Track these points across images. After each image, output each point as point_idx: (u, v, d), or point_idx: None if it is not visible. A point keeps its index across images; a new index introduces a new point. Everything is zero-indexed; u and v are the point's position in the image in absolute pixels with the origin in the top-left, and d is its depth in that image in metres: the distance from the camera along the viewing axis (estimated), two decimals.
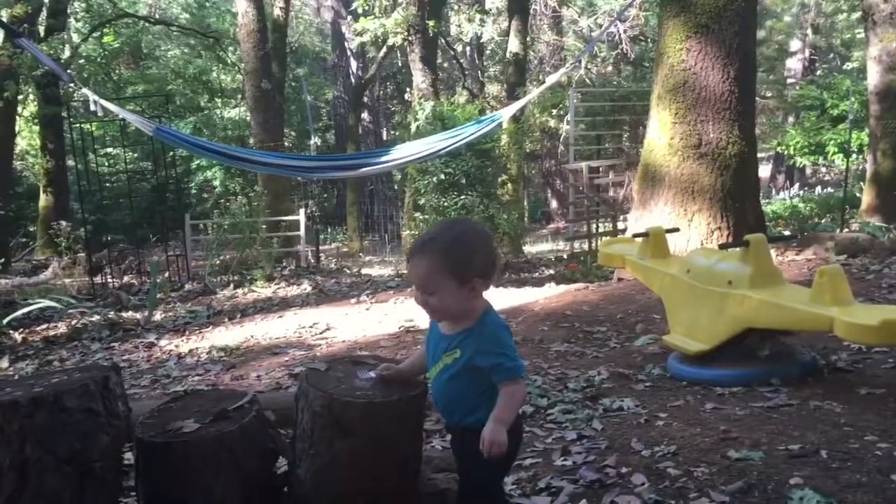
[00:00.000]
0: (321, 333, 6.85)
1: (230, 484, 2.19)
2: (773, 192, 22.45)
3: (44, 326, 7.95)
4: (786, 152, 17.78)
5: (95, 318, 8.03)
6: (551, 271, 10.46)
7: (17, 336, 7.46)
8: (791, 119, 23.24)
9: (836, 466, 2.69)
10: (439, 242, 2.00)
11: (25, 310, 8.13)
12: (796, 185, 23.32)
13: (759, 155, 9.42)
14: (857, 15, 19.83)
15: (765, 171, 26.01)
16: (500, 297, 7.70)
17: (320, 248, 14.79)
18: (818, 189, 20.95)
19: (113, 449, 2.04)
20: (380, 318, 7.15)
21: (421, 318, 6.83)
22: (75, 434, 1.92)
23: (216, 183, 19.39)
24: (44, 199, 16.91)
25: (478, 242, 2.03)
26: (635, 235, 5.25)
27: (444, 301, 1.99)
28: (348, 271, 12.48)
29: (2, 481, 1.83)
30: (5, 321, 7.72)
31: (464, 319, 2.03)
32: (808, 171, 25.93)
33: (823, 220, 13.21)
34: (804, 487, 2.52)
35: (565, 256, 12.56)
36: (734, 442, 3.03)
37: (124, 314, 8.37)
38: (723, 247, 4.35)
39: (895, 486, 2.49)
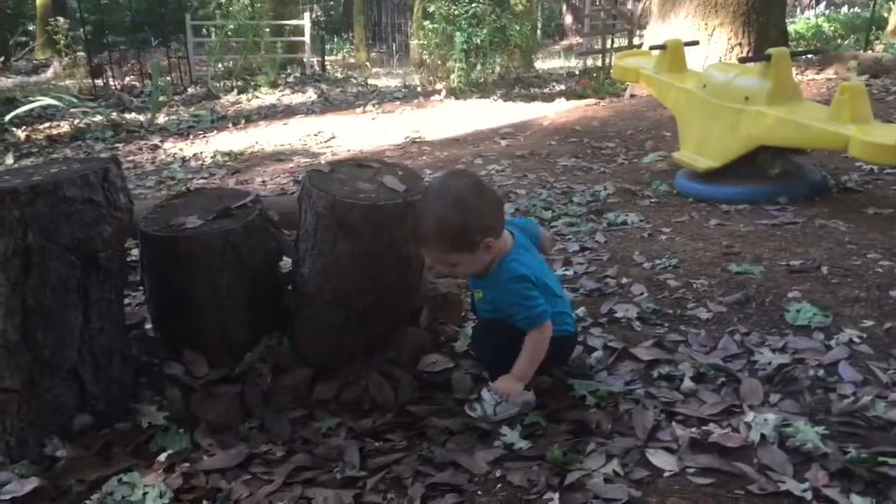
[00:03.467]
0: (326, 142, 6.80)
1: (234, 279, 2.21)
2: (798, 10, 21.51)
3: (46, 125, 7.88)
4: None
5: (98, 118, 7.94)
6: (562, 87, 10.23)
7: (21, 133, 7.41)
8: None
9: (835, 282, 2.71)
10: (429, 229, 1.93)
11: (27, 107, 8.03)
12: (822, 4, 22.29)
13: None
14: None
15: None
16: (508, 112, 7.57)
17: (326, 58, 14.38)
18: (844, 9, 20.02)
19: (116, 241, 2.03)
20: (385, 129, 7.07)
21: (427, 131, 6.74)
22: (77, 224, 1.90)
23: None
24: None
25: (466, 206, 1.91)
26: (652, 48, 5.05)
27: (467, 268, 2.02)
28: (354, 81, 12.22)
29: (6, 268, 1.84)
30: (7, 118, 7.65)
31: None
32: None
33: (847, 41, 12.72)
34: (802, 301, 2.54)
35: (577, 73, 12.23)
36: (736, 256, 3.05)
37: (127, 116, 8.27)
38: (742, 61, 4.18)
39: (893, 301, 2.51)
